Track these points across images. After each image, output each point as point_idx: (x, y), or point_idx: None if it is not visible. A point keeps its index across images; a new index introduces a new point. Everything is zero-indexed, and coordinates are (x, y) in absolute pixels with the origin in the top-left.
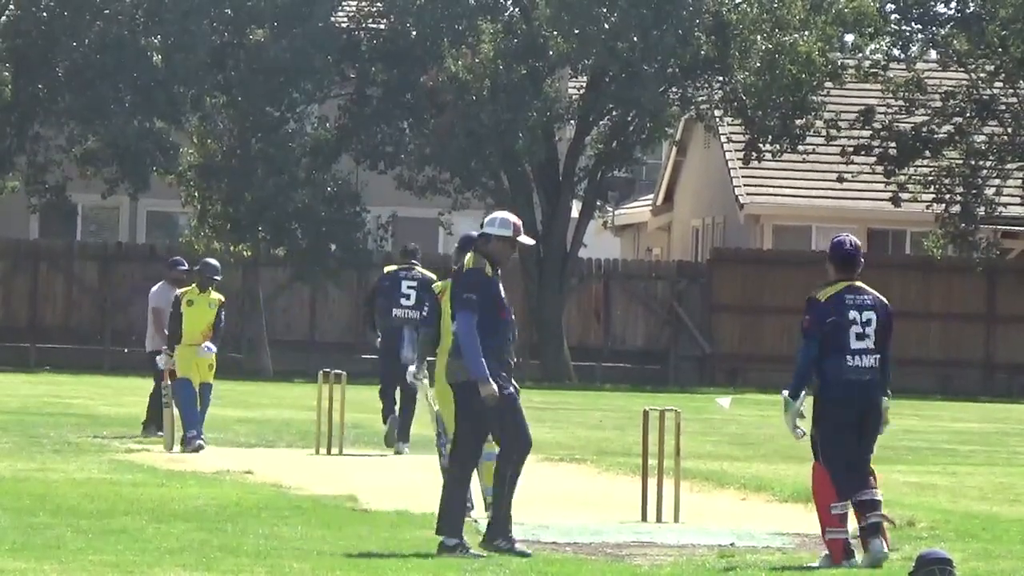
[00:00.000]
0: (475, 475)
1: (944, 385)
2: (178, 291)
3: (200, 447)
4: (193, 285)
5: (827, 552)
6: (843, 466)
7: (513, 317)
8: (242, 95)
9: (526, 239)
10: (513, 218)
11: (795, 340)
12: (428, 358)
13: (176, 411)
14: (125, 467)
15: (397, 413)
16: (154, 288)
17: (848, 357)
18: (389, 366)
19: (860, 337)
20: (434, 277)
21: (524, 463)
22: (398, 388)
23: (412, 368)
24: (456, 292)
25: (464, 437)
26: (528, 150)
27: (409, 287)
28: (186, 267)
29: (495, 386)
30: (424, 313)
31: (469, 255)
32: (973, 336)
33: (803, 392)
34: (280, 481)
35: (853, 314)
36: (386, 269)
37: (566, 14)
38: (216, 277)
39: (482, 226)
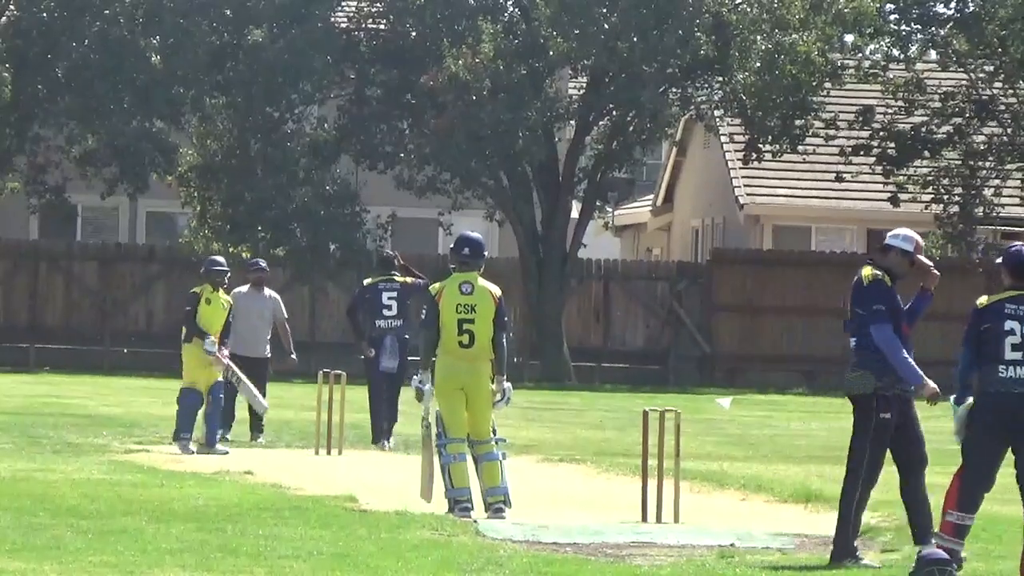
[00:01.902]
0: (474, 475)
1: (944, 385)
2: (196, 288)
3: (192, 451)
4: (207, 284)
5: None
6: (972, 478)
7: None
8: (241, 95)
9: (925, 260)
10: (916, 236)
11: (795, 340)
12: (432, 358)
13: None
14: (125, 467)
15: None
16: (242, 291)
17: (1000, 367)
18: (376, 376)
19: (1016, 348)
20: (409, 281)
21: (924, 477)
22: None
23: (416, 381)
24: (864, 306)
25: (859, 451)
26: (528, 150)
27: (390, 298)
28: (260, 266)
29: (933, 384)
30: (422, 317)
31: (867, 268)
32: None
33: (967, 399)
34: (280, 481)
35: (1011, 324)
36: (365, 281)
37: (566, 14)
38: (227, 274)
39: (885, 238)
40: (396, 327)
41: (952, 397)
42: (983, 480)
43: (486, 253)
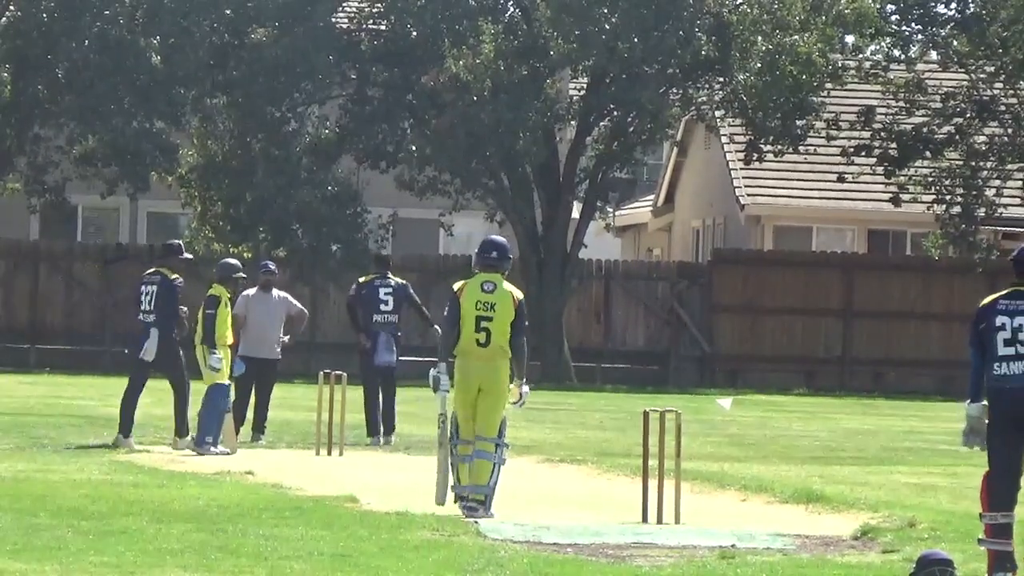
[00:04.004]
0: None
1: (944, 386)
2: (213, 291)
3: (228, 452)
4: (219, 287)
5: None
6: (994, 475)
7: None
8: (242, 95)
9: None
10: None
11: (795, 340)
12: (448, 359)
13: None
14: (126, 468)
15: (380, 413)
16: (250, 293)
17: (995, 364)
18: (370, 371)
19: (1008, 343)
20: (402, 281)
21: None
22: (379, 389)
23: (434, 371)
24: None
25: None
26: (529, 151)
27: (386, 294)
28: (270, 268)
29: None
30: (445, 313)
31: None
32: None
33: (981, 401)
34: (280, 482)
35: (1002, 320)
36: (361, 279)
37: (567, 15)
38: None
39: None
40: (391, 323)
41: (968, 400)
42: (1004, 475)
43: (511, 257)
